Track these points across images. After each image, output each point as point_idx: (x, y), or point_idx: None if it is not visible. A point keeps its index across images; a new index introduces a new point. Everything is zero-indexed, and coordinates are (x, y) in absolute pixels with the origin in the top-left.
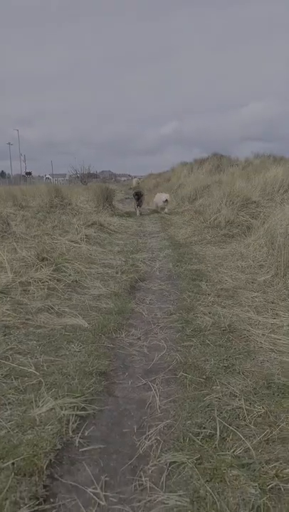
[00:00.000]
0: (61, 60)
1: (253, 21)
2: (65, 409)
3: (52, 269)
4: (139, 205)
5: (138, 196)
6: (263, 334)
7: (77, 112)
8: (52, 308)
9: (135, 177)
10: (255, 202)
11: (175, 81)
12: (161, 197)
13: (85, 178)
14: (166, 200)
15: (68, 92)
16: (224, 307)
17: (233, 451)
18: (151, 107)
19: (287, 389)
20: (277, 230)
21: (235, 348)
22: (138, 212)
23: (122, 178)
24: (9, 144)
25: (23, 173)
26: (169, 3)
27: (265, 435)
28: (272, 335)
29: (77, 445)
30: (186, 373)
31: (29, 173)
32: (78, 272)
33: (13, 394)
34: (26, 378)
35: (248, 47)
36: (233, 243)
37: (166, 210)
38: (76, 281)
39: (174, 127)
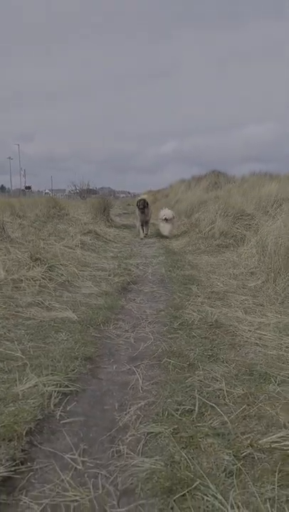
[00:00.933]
0: (64, 77)
1: (255, 44)
2: (48, 386)
3: (44, 269)
4: (144, 223)
5: (143, 206)
6: (249, 330)
7: (79, 129)
8: (42, 303)
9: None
10: (249, 215)
11: (176, 100)
12: (160, 214)
13: (84, 193)
14: (166, 218)
15: (70, 108)
16: (213, 307)
17: (210, 424)
18: (152, 126)
19: (269, 376)
20: (268, 239)
21: (220, 341)
22: (142, 233)
23: (121, 195)
24: (9, 158)
25: (23, 188)
26: (172, 25)
27: (242, 411)
28: (259, 331)
29: (58, 418)
30: (169, 359)
31: (29, 188)
32: (71, 274)
33: None
34: (12, 361)
35: (250, 69)
36: (227, 253)
37: (167, 232)
38: (68, 281)
39: (174, 146)
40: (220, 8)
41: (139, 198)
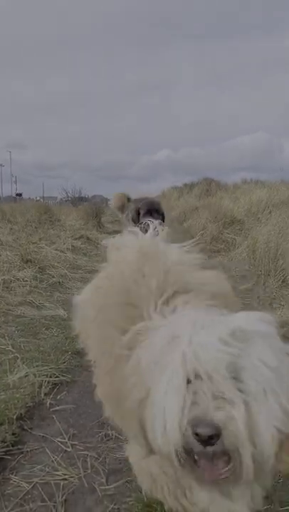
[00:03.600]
0: (59, 88)
1: (248, 56)
2: (39, 377)
3: (35, 270)
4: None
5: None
6: None
7: (72, 138)
8: (33, 302)
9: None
10: (239, 220)
11: (171, 112)
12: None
13: (76, 201)
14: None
15: (65, 119)
16: None
17: None
18: (146, 136)
19: None
20: (258, 243)
21: None
22: None
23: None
24: (1, 165)
25: (14, 195)
26: (168, 39)
27: None
28: None
29: (48, 405)
30: None
31: (19, 195)
32: (62, 275)
33: None
34: (2, 355)
35: (244, 81)
36: (218, 257)
37: None
38: (59, 282)
39: (167, 155)
40: (212, 23)
41: (143, 203)
